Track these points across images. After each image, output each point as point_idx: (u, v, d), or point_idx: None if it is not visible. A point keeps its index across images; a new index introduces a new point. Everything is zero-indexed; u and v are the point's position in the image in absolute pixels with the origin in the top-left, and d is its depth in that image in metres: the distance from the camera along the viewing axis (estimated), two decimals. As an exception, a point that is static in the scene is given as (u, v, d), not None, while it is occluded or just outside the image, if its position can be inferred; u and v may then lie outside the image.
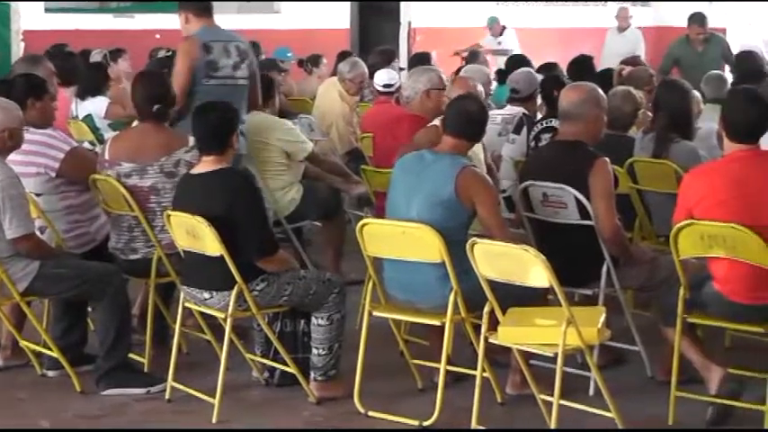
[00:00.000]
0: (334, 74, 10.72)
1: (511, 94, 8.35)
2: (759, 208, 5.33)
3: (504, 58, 12.59)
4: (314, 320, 5.87)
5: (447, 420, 5.55)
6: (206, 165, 5.82)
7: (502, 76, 10.46)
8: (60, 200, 6.41)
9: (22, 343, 6.27)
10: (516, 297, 5.41)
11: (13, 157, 6.09)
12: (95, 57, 11.56)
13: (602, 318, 5.34)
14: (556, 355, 5.16)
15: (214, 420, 5.64)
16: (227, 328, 5.73)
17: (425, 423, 5.55)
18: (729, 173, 5.45)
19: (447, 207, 5.61)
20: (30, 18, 14.49)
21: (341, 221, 8.17)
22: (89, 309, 6.39)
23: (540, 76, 8.69)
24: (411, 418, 5.63)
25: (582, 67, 10.17)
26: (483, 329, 5.41)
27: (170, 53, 9.31)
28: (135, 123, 6.65)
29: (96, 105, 9.48)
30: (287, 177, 7.72)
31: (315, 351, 5.86)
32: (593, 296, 6.02)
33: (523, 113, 8.08)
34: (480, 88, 7.53)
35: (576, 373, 5.87)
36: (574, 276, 5.85)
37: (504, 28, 16.08)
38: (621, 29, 15.33)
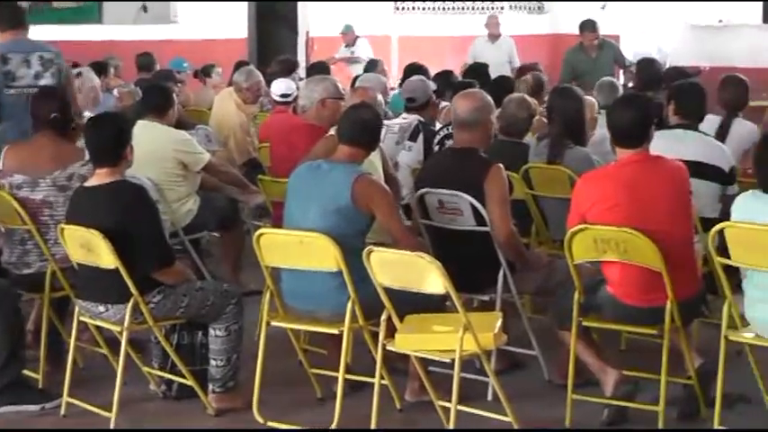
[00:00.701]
0: (230, 84, 10.67)
1: (407, 103, 8.39)
2: (649, 212, 5.42)
3: (358, 67, 12.60)
4: (211, 332, 5.83)
5: (346, 428, 5.54)
6: (99, 177, 5.76)
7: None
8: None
9: None
10: (414, 304, 5.43)
11: None
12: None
13: (499, 323, 5.39)
14: (453, 360, 5.18)
15: (111, 435, 5.59)
16: (123, 342, 5.67)
17: (325, 432, 5.55)
18: (620, 178, 5.53)
19: (343, 215, 5.61)
20: None
21: (239, 232, 8.14)
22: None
23: (433, 84, 8.77)
24: (310, 427, 5.62)
25: (478, 74, 10.30)
26: (380, 337, 5.42)
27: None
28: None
29: None
30: (184, 188, 7.67)
31: (213, 362, 5.82)
32: (491, 301, 6.07)
33: (419, 121, 8.11)
34: (379, 97, 7.56)
35: (475, 379, 5.91)
36: (471, 282, 5.91)
37: (357, 37, 16.00)
38: (493, 37, 15.03)
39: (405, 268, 5.26)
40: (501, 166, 6.06)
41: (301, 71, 13.03)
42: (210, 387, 5.84)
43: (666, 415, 5.47)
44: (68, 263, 5.97)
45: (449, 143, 7.71)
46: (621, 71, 13.47)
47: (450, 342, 5.18)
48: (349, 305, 5.50)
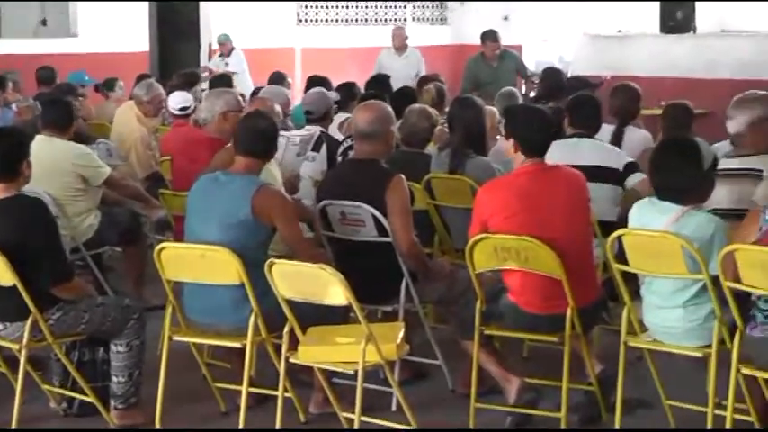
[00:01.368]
0: (131, 97, 10.57)
1: (306, 116, 8.39)
2: (548, 220, 5.48)
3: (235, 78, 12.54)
4: (113, 348, 5.77)
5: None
6: (-4, 193, 5.67)
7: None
8: None
9: None
10: (317, 316, 5.43)
11: None
12: None
13: (401, 333, 5.40)
14: (356, 372, 5.19)
15: (10, 454, 5.52)
16: (23, 359, 5.58)
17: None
18: (518, 187, 5.59)
19: (244, 227, 5.59)
20: None
21: (141, 246, 8.07)
22: None
23: (333, 95, 8.79)
24: (214, 441, 5.61)
25: (381, 85, 10.33)
26: (283, 349, 5.41)
27: None
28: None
29: None
30: (84, 203, 7.59)
31: (114, 379, 5.76)
32: (394, 312, 6.08)
33: (321, 131, 8.12)
34: (278, 109, 7.55)
35: (379, 390, 5.91)
36: (374, 293, 5.91)
37: (232, 49, 15.90)
38: (400, 49, 14.81)
39: (307, 280, 5.25)
40: (402, 176, 6.08)
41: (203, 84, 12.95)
42: (112, 403, 5.78)
43: (568, 420, 5.53)
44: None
45: (352, 154, 7.73)
46: (523, 81, 13.59)
47: (352, 353, 5.18)
48: (251, 318, 5.48)
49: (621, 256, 5.42)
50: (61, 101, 8.11)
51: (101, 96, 12.54)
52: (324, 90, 8.86)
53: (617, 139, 7.68)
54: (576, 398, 5.75)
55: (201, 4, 17.10)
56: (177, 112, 8.90)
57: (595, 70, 14.25)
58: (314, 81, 10.31)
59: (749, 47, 14.33)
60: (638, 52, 15.24)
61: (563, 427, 5.49)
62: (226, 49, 15.76)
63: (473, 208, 5.79)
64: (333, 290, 5.16)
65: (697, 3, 15.15)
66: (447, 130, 7.63)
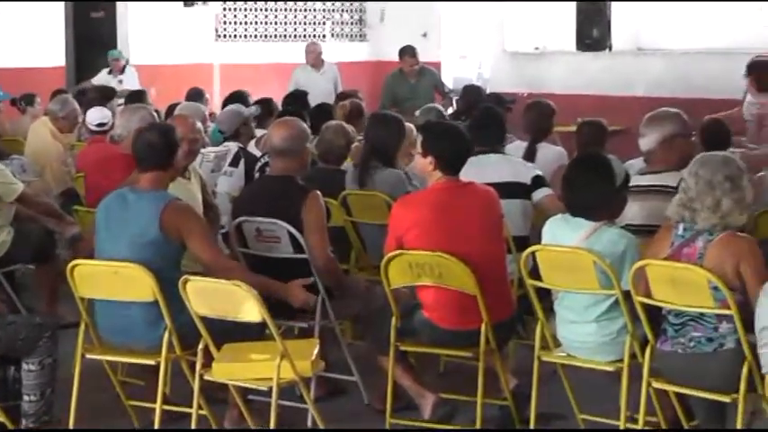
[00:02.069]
0: (46, 113, 10.46)
1: (220, 133, 8.38)
2: (461, 236, 5.52)
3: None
4: (24, 366, 5.68)
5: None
6: None
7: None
8: None
9: None
10: (233, 333, 5.39)
11: None
12: None
13: (316, 350, 5.39)
14: (271, 389, 5.17)
15: None
16: (-68, 379, 5.51)
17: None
18: (434, 203, 5.62)
19: (155, 246, 5.54)
20: None
21: (55, 263, 7.95)
22: None
23: (252, 110, 8.79)
24: (128, 460, 5.56)
25: (298, 101, 10.33)
26: (197, 366, 5.37)
27: None
28: None
29: None
30: (-4, 220, 7.50)
31: (26, 398, 5.67)
32: (309, 329, 6.07)
33: (240, 147, 8.10)
34: (199, 125, 7.50)
35: (295, 406, 5.89)
36: (289, 310, 5.89)
37: (125, 65, 15.60)
38: (316, 65, 14.62)
39: (222, 297, 5.23)
40: (318, 193, 6.08)
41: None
42: (24, 423, 5.70)
43: (483, 435, 5.56)
44: None
45: (268, 170, 7.71)
46: (441, 97, 13.65)
47: (267, 370, 5.16)
48: (165, 335, 5.44)
49: (535, 272, 5.46)
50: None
51: (15, 111, 12.38)
52: (236, 107, 8.83)
53: (530, 155, 7.74)
54: (490, 412, 5.77)
55: (119, 19, 16.97)
56: (95, 128, 8.82)
57: (513, 87, 14.38)
58: (232, 97, 10.28)
59: (664, 65, 14.52)
60: (555, 69, 15.38)
61: (477, 441, 5.53)
62: (119, 65, 15.50)
63: (388, 223, 5.81)
64: (247, 307, 5.14)
65: (613, 21, 15.31)
66: (364, 146, 7.65)
